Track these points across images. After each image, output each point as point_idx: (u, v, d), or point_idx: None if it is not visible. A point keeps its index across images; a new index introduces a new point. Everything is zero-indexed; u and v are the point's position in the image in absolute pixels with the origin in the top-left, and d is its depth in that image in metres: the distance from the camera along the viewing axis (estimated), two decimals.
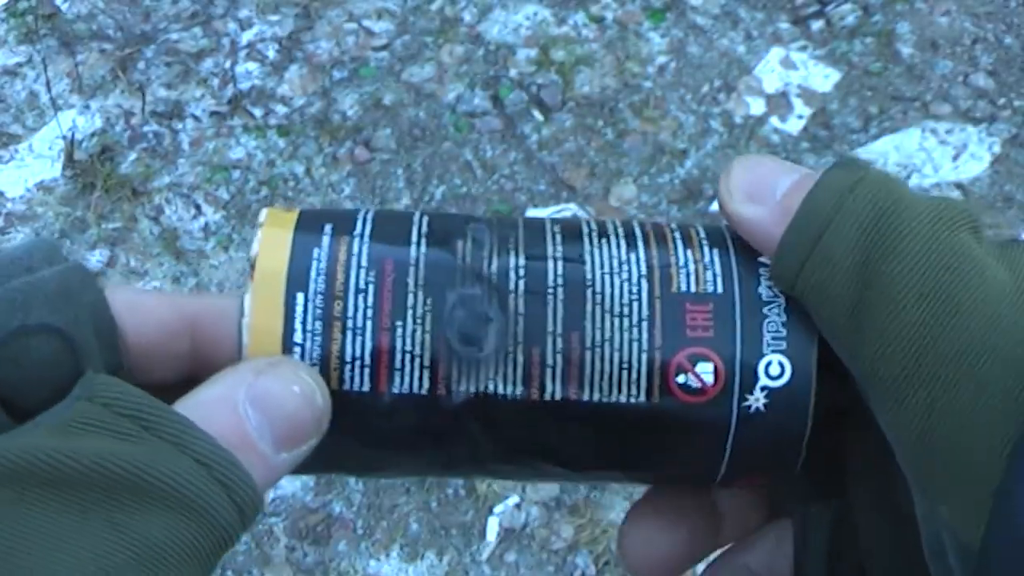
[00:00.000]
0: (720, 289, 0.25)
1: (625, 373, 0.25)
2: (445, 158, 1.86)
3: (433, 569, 1.49)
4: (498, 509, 1.53)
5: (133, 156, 1.87)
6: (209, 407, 0.23)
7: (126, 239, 1.79)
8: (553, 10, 2.03)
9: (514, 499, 1.53)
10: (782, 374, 0.25)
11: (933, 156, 1.84)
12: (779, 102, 1.91)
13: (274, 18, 2.04)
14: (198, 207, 1.83)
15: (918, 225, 0.22)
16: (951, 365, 0.21)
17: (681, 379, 0.25)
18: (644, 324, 0.25)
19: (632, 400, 0.25)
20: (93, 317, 0.24)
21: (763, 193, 0.25)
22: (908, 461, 0.22)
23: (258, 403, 0.23)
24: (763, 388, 0.25)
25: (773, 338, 0.25)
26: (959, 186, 1.80)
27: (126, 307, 0.25)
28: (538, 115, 1.90)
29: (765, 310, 0.25)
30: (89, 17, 2.04)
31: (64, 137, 1.86)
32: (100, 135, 1.89)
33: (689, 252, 0.26)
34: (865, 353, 0.23)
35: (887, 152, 1.85)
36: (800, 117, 1.89)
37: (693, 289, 0.25)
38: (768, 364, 0.25)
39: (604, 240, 0.26)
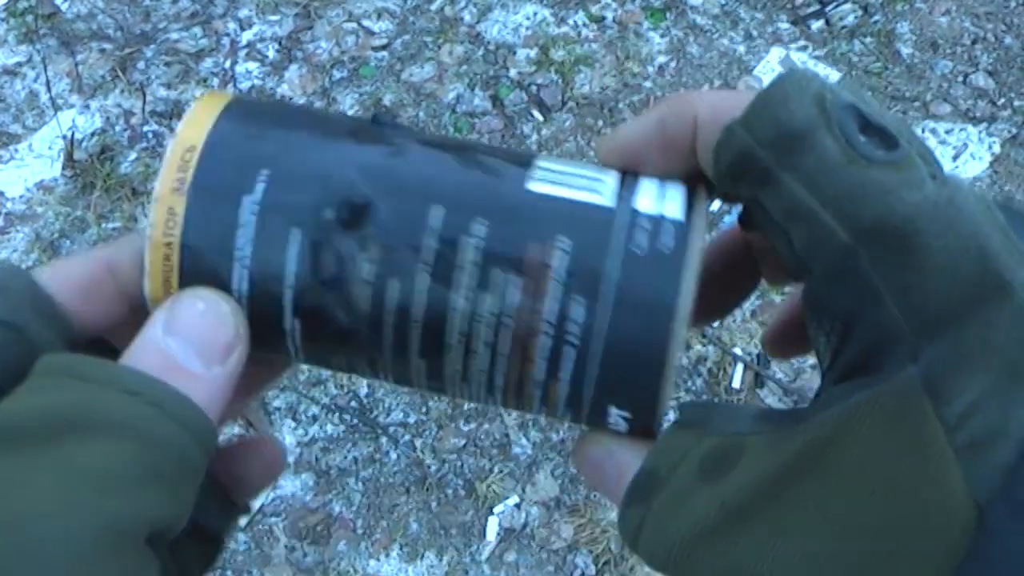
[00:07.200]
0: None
1: None
2: None
3: (433, 569, 1.49)
4: (498, 509, 1.53)
5: (133, 156, 1.87)
6: (136, 352, 0.26)
7: None
8: (553, 10, 2.03)
9: (514, 499, 1.53)
10: None
11: None
12: None
13: (274, 18, 2.04)
14: None
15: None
16: None
17: None
18: None
19: None
20: (29, 299, 0.26)
21: (609, 491, 0.29)
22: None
23: (172, 330, 0.26)
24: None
25: None
26: None
27: (50, 278, 0.27)
28: (538, 115, 1.90)
29: None
30: (89, 17, 2.04)
31: (64, 137, 1.86)
32: (100, 135, 1.89)
33: None
34: None
35: None
36: None
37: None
38: None
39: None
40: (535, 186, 0.26)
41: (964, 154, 1.84)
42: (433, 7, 2.04)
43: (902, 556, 0.22)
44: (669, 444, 0.26)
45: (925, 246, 0.23)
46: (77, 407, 0.23)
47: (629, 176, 0.28)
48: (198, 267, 0.26)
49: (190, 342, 0.25)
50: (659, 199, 0.27)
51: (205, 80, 1.96)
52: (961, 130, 1.86)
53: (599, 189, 0.27)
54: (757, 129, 0.25)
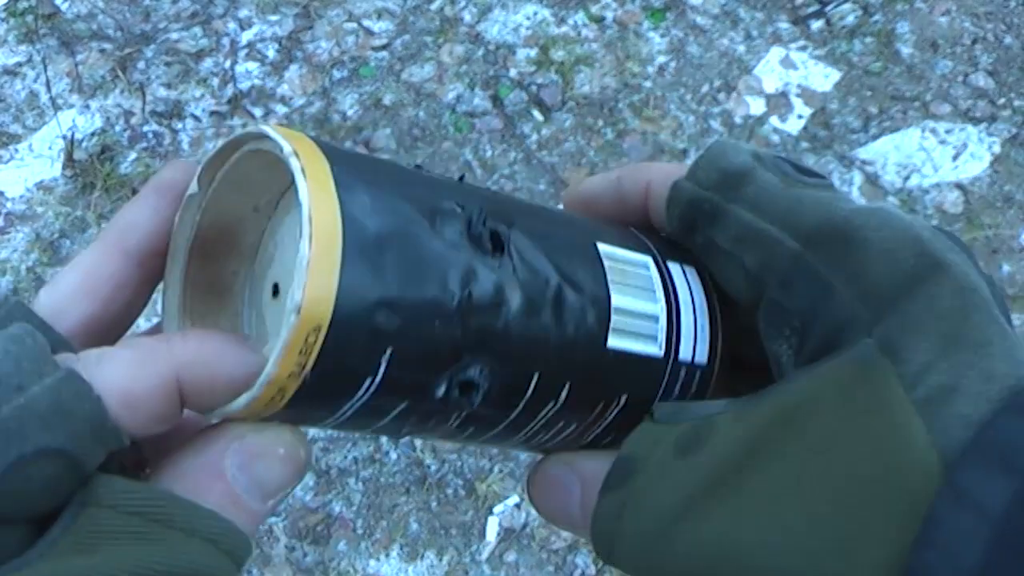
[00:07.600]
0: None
1: None
2: (445, 158, 1.86)
3: (433, 569, 1.49)
4: (498, 509, 1.53)
5: (133, 156, 1.87)
6: (198, 476, 0.24)
7: None
8: (553, 10, 2.03)
9: (514, 499, 1.53)
10: None
11: (933, 156, 1.84)
12: (779, 102, 1.91)
13: (274, 18, 2.04)
14: None
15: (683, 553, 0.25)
16: None
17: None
18: None
19: None
20: (91, 426, 0.23)
21: (566, 509, 0.29)
22: None
23: (245, 468, 0.24)
24: None
25: None
26: (959, 186, 1.81)
27: (124, 411, 0.23)
28: (538, 115, 1.90)
29: None
30: (89, 17, 2.04)
31: (64, 137, 1.86)
32: (100, 135, 1.89)
33: None
34: None
35: (887, 152, 1.85)
36: (800, 117, 1.89)
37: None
38: None
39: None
40: (613, 341, 0.28)
41: (964, 154, 1.84)
42: (433, 7, 2.04)
43: (871, 504, 0.23)
44: (644, 434, 0.27)
45: (864, 238, 0.26)
46: (165, 563, 0.22)
47: (671, 292, 0.29)
48: (290, 418, 0.25)
49: (259, 483, 0.25)
50: (694, 339, 0.29)
51: (205, 80, 1.96)
52: (961, 130, 1.86)
53: (656, 333, 0.29)
54: (702, 178, 0.29)
